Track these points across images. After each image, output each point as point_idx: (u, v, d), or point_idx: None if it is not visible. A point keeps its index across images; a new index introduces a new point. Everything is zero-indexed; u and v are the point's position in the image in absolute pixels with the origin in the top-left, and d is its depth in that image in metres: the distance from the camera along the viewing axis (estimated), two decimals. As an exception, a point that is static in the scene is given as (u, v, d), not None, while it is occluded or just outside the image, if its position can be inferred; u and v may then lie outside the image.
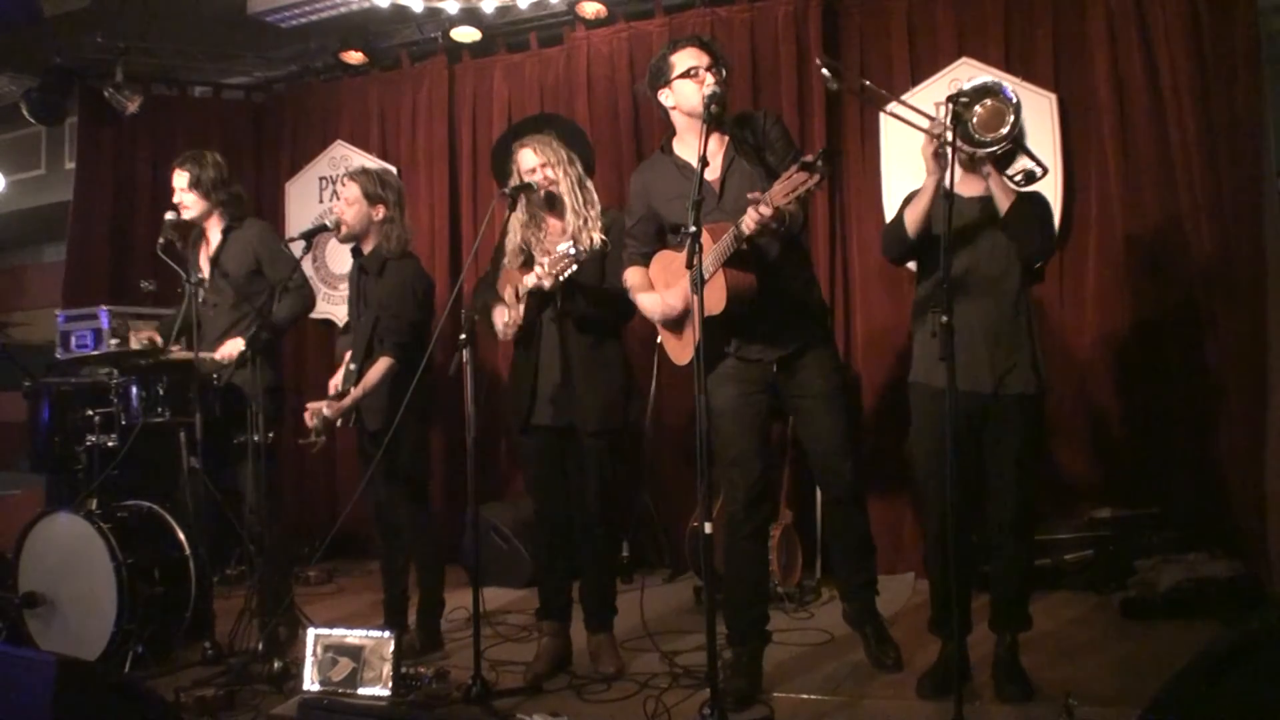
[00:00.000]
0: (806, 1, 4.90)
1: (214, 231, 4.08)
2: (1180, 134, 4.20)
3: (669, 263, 3.21)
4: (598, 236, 3.40)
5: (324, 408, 3.61)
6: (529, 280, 3.28)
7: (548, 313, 3.43)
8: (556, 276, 3.19)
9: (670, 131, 3.28)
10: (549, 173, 3.43)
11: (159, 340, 4.15)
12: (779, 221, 2.82)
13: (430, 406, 3.78)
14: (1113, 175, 4.43)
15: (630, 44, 5.30)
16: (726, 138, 3.17)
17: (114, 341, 4.54)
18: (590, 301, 3.38)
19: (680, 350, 3.27)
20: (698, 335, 2.73)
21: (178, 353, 3.98)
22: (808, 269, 3.32)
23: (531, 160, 3.44)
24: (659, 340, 3.35)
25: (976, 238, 3.02)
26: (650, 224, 3.30)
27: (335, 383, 3.78)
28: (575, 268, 3.18)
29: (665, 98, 3.19)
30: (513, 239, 3.52)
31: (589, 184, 3.50)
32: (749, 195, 2.82)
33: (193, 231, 4.13)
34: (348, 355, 3.79)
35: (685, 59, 3.13)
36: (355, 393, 3.63)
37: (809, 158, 2.69)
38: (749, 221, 2.81)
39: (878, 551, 3.47)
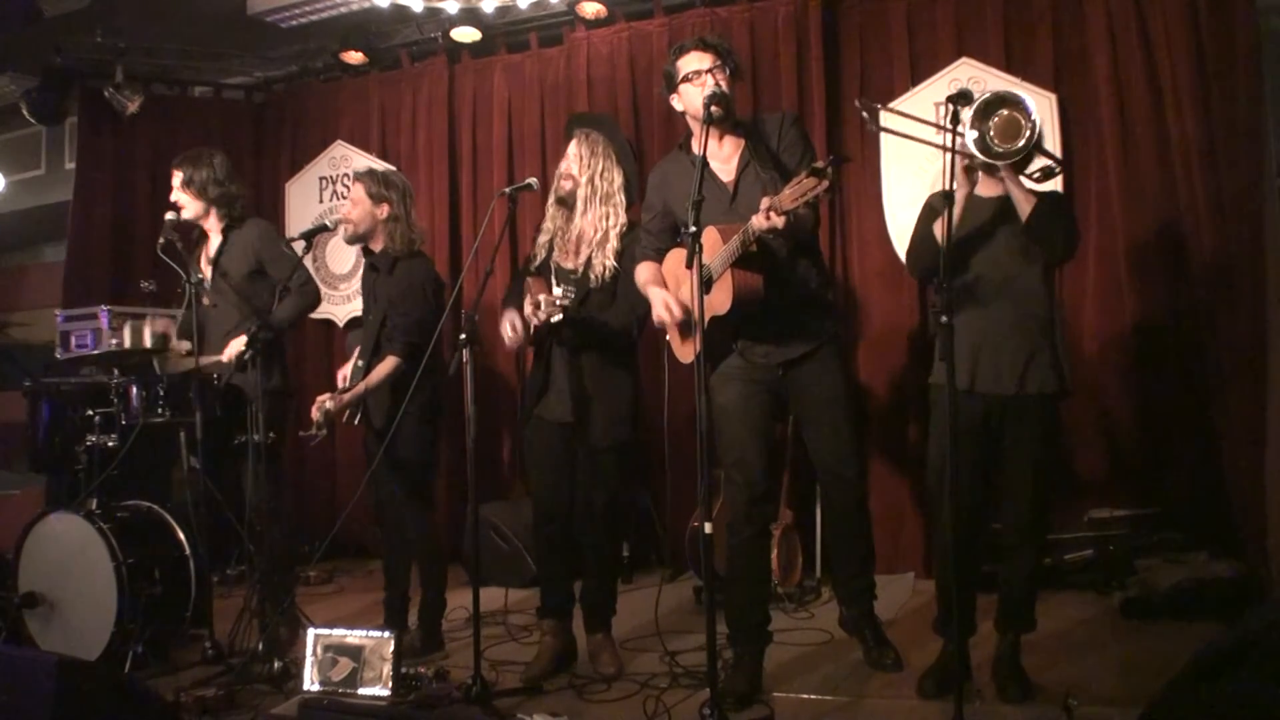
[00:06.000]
0: (806, 1, 4.90)
1: (214, 232, 4.09)
2: (1180, 134, 4.20)
3: (681, 259, 3.21)
4: (610, 263, 3.40)
5: (327, 400, 3.63)
6: (527, 310, 3.32)
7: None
8: (547, 319, 3.27)
9: (687, 131, 3.29)
10: (574, 169, 3.44)
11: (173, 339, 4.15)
12: (787, 224, 2.83)
13: (435, 406, 3.78)
14: (1113, 175, 4.42)
15: (630, 44, 5.29)
16: (742, 140, 3.17)
17: (114, 341, 4.54)
18: (590, 334, 3.39)
19: (683, 348, 3.27)
20: (699, 337, 2.73)
21: (182, 352, 3.98)
22: (820, 271, 3.30)
23: (571, 150, 3.48)
24: (667, 337, 3.34)
25: (995, 237, 3.02)
26: (665, 219, 3.31)
27: (344, 374, 3.82)
28: (561, 316, 3.26)
29: (675, 103, 3.22)
30: (544, 234, 3.54)
31: (617, 200, 3.45)
32: (763, 200, 2.82)
33: (194, 231, 4.13)
34: (357, 350, 3.83)
35: (689, 63, 3.13)
36: (358, 388, 3.65)
37: (819, 164, 2.69)
38: (757, 224, 2.81)
39: (878, 551, 3.46)
